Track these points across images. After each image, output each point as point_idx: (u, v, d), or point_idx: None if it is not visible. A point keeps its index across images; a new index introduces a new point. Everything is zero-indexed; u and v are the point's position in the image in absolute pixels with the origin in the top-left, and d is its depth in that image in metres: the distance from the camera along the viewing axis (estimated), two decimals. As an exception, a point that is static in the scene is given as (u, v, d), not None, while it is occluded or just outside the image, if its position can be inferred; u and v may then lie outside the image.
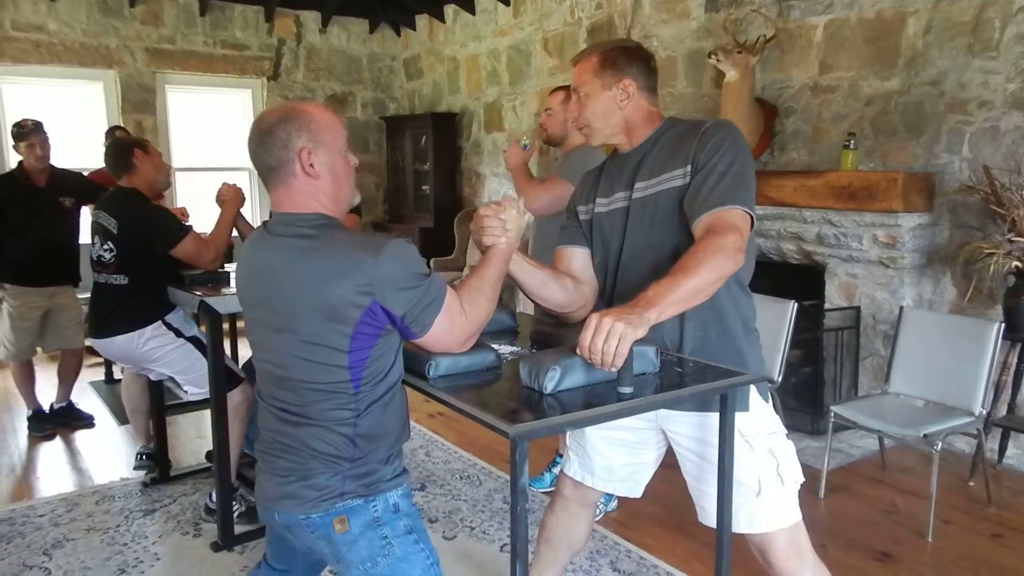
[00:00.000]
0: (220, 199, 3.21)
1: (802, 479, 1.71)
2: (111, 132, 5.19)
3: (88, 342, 3.31)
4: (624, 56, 1.76)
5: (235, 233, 3.28)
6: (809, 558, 1.72)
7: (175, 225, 3.06)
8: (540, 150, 6.18)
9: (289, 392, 1.54)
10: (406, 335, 1.51)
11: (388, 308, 1.43)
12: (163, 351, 3.08)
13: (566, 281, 1.85)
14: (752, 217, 1.62)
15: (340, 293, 1.41)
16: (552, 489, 2.42)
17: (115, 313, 3.08)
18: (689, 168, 1.66)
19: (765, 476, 1.66)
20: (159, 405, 3.49)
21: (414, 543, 1.55)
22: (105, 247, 3.07)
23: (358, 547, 1.51)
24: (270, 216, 1.62)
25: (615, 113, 1.77)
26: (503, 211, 1.66)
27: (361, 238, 1.49)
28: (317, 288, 1.43)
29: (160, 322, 3.08)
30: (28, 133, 3.88)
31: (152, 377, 3.32)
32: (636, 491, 1.95)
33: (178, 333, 3.10)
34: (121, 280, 3.07)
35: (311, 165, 1.51)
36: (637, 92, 1.76)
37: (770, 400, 1.75)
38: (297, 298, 1.46)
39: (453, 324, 1.51)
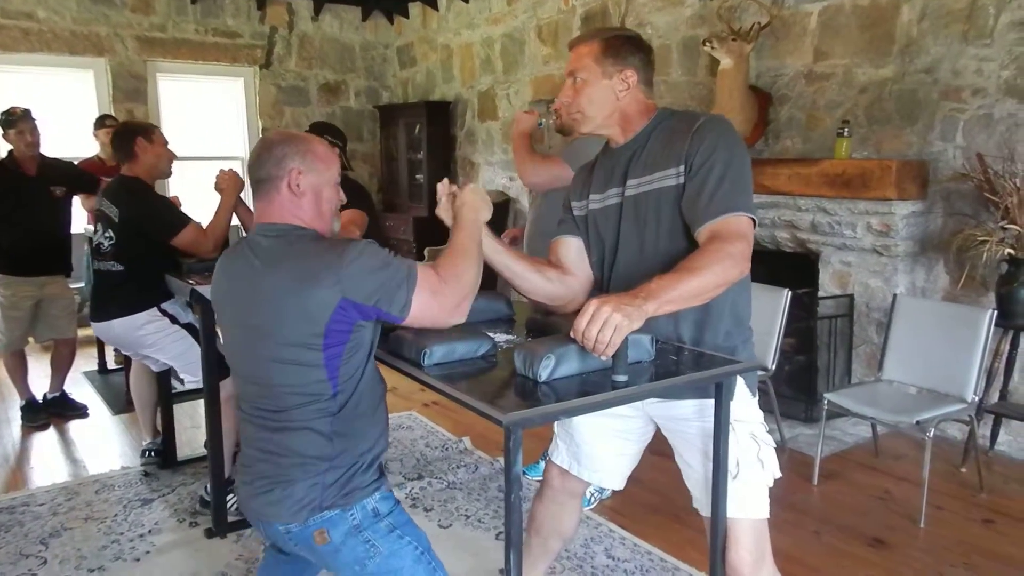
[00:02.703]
0: (218, 187, 3.19)
1: (779, 474, 1.70)
2: (101, 121, 5.16)
3: (91, 327, 3.32)
4: (628, 46, 1.73)
5: (236, 221, 3.28)
6: (768, 564, 1.70)
7: (176, 215, 3.10)
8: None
9: (270, 399, 1.58)
10: (390, 320, 1.53)
11: (357, 301, 1.48)
12: (158, 336, 3.12)
13: (550, 273, 1.84)
14: (755, 221, 1.62)
15: (314, 295, 1.47)
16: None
17: (112, 298, 3.13)
18: (682, 168, 1.64)
19: (744, 459, 1.65)
20: (167, 392, 3.49)
21: (398, 539, 1.58)
22: (106, 235, 3.12)
23: (343, 555, 1.56)
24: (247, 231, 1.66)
25: (611, 103, 1.73)
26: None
27: (328, 243, 1.57)
28: (292, 293, 1.49)
29: (156, 308, 3.12)
30: (17, 120, 3.84)
31: (154, 368, 3.33)
32: (618, 483, 1.95)
33: (173, 320, 3.15)
34: (116, 267, 3.11)
35: (297, 185, 1.60)
36: (636, 84, 1.73)
37: (756, 395, 1.74)
38: (273, 304, 1.51)
39: (436, 296, 1.53)
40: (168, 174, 3.31)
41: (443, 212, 1.72)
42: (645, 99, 1.76)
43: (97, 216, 3.19)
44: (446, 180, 1.76)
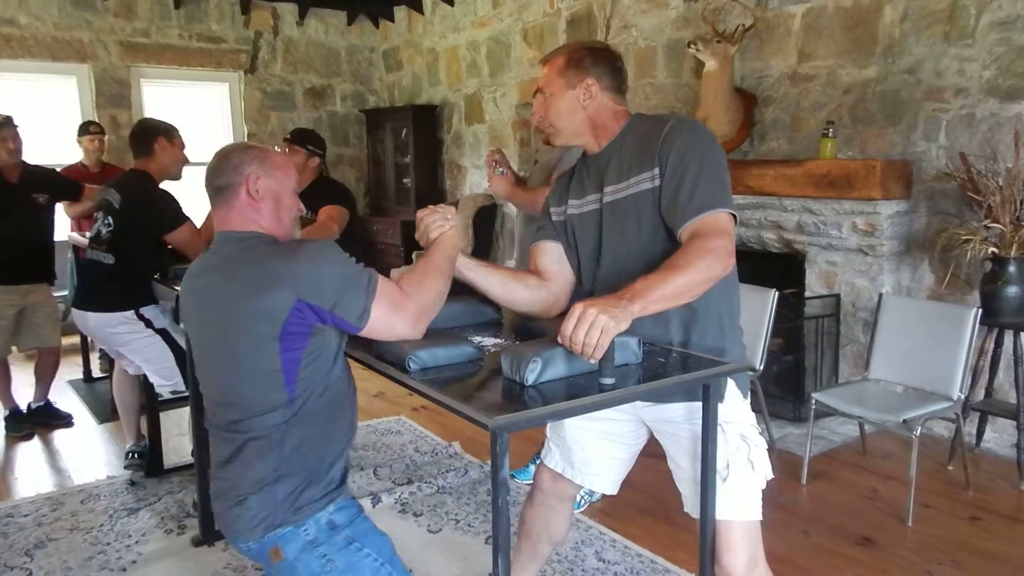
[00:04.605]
0: None
1: (771, 475, 1.69)
2: (85, 127, 5.13)
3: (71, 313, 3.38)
4: (589, 56, 1.76)
5: None
6: (761, 567, 1.69)
7: (176, 211, 3.15)
8: (522, 141, 6.18)
9: (228, 409, 1.59)
10: (346, 328, 1.53)
11: (313, 303, 1.47)
12: (130, 337, 3.17)
13: (529, 280, 1.86)
14: (735, 217, 1.63)
15: (270, 297, 1.47)
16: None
17: (97, 289, 3.18)
18: (656, 171, 1.66)
19: (735, 461, 1.64)
20: (152, 399, 3.46)
21: (356, 551, 1.57)
22: (106, 221, 3.15)
23: (298, 571, 1.56)
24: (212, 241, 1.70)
25: (578, 112, 1.76)
26: (440, 208, 1.74)
27: (285, 245, 1.58)
28: (248, 298, 1.49)
29: (134, 312, 3.16)
30: (-2, 127, 3.81)
31: (130, 370, 3.33)
32: (612, 487, 1.94)
33: (148, 324, 3.18)
34: (108, 259, 3.14)
35: (257, 190, 1.61)
36: (600, 92, 1.75)
37: (748, 397, 1.74)
38: (232, 311, 1.52)
39: (396, 307, 1.53)
40: (178, 177, 3.35)
41: (422, 237, 1.74)
42: (614, 105, 1.78)
43: (99, 205, 3.22)
44: (429, 207, 1.77)
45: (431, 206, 1.76)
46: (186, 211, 3.18)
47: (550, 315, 1.85)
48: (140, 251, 3.13)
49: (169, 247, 3.18)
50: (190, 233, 3.09)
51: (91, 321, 3.18)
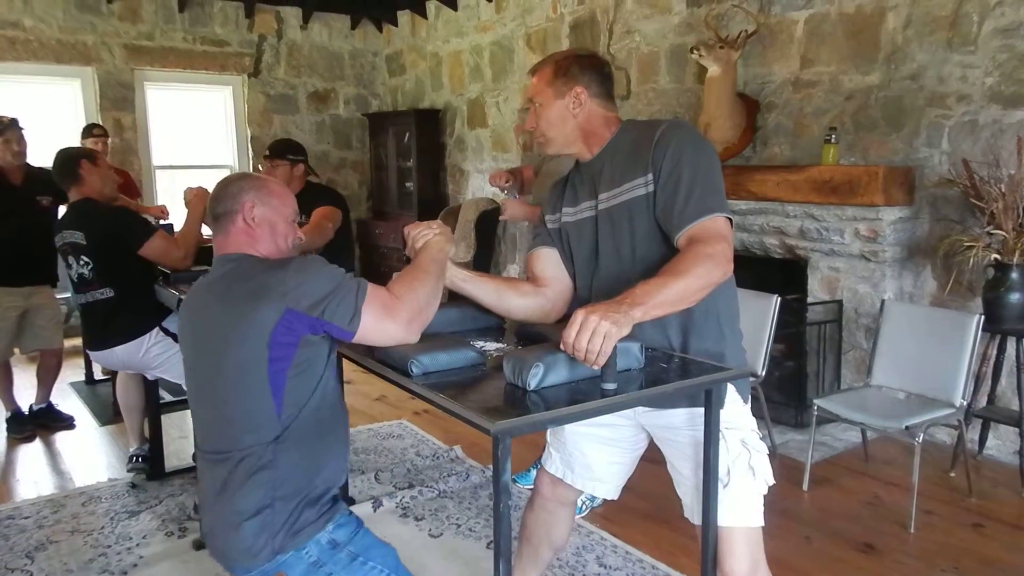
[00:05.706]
0: (186, 201, 3.22)
1: (772, 481, 1.69)
2: (89, 130, 5.13)
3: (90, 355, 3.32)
4: (576, 64, 1.77)
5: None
6: (763, 573, 1.68)
7: (141, 223, 3.12)
8: (524, 145, 6.18)
9: (221, 430, 1.59)
10: (338, 333, 1.54)
11: (301, 311, 1.49)
12: (164, 356, 3.12)
13: (524, 287, 1.87)
14: (731, 220, 1.64)
15: (258, 310, 1.49)
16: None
17: (110, 325, 3.10)
18: (650, 176, 1.67)
19: (735, 467, 1.64)
20: (155, 402, 3.46)
21: (361, 566, 1.58)
22: (81, 263, 3.08)
23: None
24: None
25: (568, 121, 1.77)
26: (425, 223, 1.77)
27: (274, 261, 1.62)
28: (238, 314, 1.52)
29: (158, 329, 3.11)
30: (4, 129, 3.81)
31: (148, 376, 3.31)
32: (613, 492, 1.94)
33: (176, 337, 3.11)
34: (107, 293, 3.09)
35: (253, 218, 1.65)
36: (589, 99, 1.76)
37: (749, 401, 1.74)
38: (221, 328, 1.54)
39: (388, 311, 1.54)
40: (115, 196, 3.33)
41: (411, 250, 1.76)
42: (604, 112, 1.79)
43: (63, 251, 3.16)
44: (414, 223, 1.80)
45: (416, 221, 1.79)
46: (174, 220, 3.18)
47: (548, 321, 1.86)
48: (132, 271, 3.08)
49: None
50: (163, 241, 3.06)
51: (119, 355, 3.13)
